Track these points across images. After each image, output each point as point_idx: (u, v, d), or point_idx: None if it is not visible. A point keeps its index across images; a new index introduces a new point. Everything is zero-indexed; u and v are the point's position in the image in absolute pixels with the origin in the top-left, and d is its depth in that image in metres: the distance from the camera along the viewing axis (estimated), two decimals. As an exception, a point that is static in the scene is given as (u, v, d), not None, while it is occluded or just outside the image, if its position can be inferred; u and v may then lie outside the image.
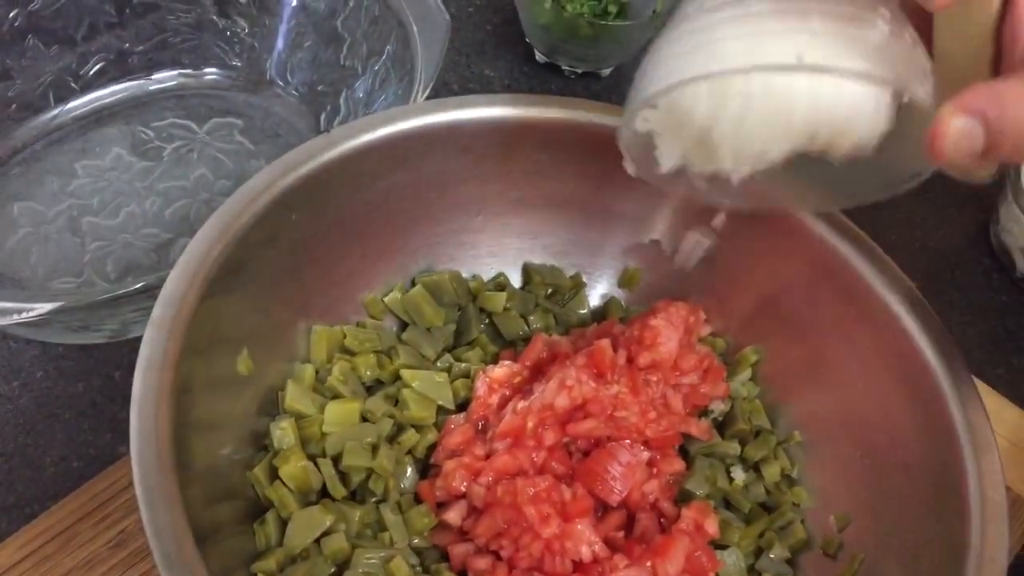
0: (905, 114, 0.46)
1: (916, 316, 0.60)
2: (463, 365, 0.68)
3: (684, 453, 0.67)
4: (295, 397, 0.61)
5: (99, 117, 0.90)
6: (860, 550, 0.60)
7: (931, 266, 0.93)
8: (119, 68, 0.91)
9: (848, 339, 0.64)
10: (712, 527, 0.61)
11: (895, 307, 0.61)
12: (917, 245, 0.94)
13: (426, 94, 0.74)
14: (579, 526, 0.58)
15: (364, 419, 0.62)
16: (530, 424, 0.61)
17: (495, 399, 0.65)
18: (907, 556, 0.57)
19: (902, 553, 0.57)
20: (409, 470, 0.62)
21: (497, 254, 0.74)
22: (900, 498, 0.59)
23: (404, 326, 0.70)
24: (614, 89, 1.05)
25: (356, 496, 0.61)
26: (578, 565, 0.58)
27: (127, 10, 0.90)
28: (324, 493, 0.59)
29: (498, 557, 0.59)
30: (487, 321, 0.72)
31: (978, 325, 0.88)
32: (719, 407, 0.69)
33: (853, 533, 0.61)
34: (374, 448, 0.60)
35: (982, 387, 0.72)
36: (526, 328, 0.72)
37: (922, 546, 0.56)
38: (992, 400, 0.76)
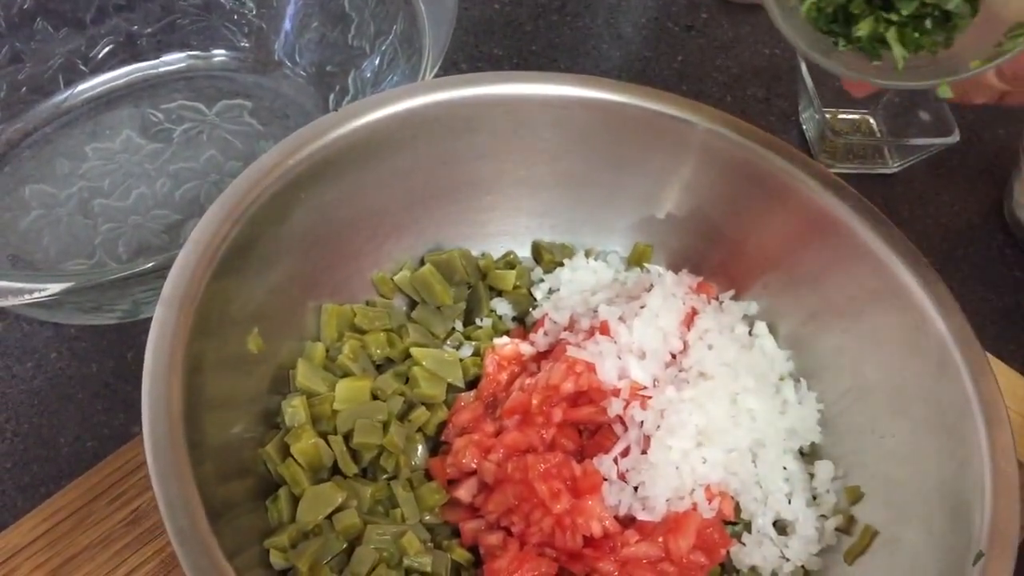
0: None
1: (930, 292, 0.60)
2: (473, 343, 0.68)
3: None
4: (306, 375, 0.61)
5: (109, 99, 0.90)
6: (873, 524, 0.60)
7: (945, 242, 0.92)
8: (128, 50, 0.91)
9: (863, 315, 0.64)
10: (728, 509, 0.61)
11: (909, 283, 0.60)
12: (931, 221, 0.93)
13: (434, 73, 0.74)
14: (590, 502, 0.58)
15: (375, 397, 0.62)
16: (535, 401, 0.62)
17: (504, 376, 0.65)
18: (919, 530, 0.56)
19: (914, 527, 0.57)
20: (420, 447, 0.63)
21: (507, 232, 0.73)
22: (912, 473, 0.59)
23: (414, 304, 0.70)
24: (623, 68, 1.04)
25: (367, 473, 0.61)
26: (589, 540, 0.58)
27: (135, -8, 0.90)
28: (335, 470, 0.60)
29: (509, 533, 0.59)
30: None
31: (991, 301, 0.88)
32: None
33: (865, 507, 0.61)
34: (385, 426, 0.60)
35: (995, 362, 0.72)
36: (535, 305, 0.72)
37: (934, 520, 0.55)
38: (1005, 375, 0.75)
